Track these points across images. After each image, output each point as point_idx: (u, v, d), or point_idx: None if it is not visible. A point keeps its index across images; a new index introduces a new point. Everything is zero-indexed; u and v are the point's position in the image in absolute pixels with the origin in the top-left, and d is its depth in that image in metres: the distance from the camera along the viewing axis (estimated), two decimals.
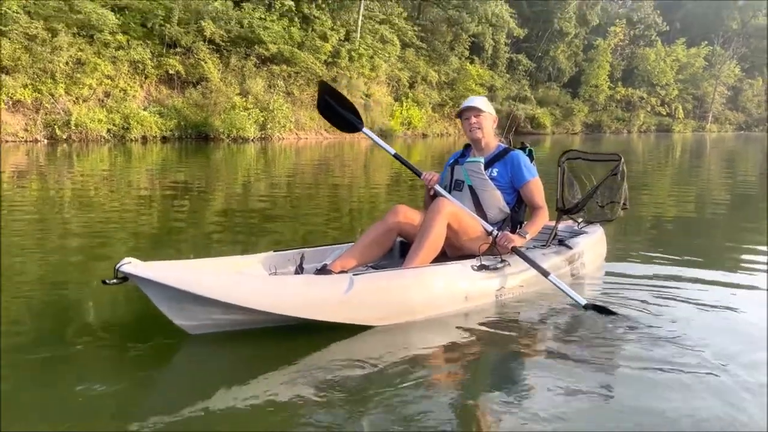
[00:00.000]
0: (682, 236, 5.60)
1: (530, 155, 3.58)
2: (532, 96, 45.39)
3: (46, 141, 17.72)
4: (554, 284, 3.14)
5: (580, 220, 4.11)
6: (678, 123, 57.94)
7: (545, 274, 3.17)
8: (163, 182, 9.49)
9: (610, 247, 4.39)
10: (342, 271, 3.08)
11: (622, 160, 3.79)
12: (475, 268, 3.12)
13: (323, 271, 3.11)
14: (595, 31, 54.53)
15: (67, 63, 18.63)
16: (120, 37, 20.42)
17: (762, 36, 65.61)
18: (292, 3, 26.18)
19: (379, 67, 30.42)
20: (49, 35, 18.25)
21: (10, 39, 17.28)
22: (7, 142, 16.87)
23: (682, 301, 3.32)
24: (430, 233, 3.10)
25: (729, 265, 4.33)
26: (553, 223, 3.94)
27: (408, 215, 3.28)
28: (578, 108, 48.34)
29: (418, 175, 3.46)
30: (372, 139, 3.62)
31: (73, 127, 18.12)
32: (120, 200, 7.33)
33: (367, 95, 29.08)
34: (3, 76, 17.10)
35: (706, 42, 61.38)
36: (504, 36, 43.92)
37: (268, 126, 22.56)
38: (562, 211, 4.00)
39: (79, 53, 18.99)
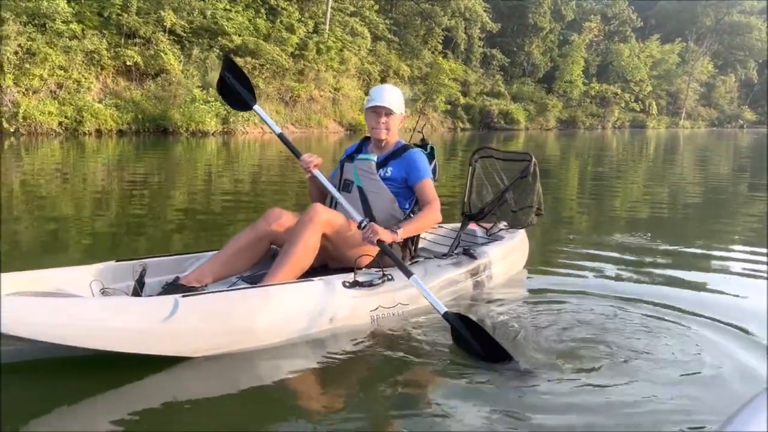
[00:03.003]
0: (630, 239, 5.19)
1: (431, 153, 3.21)
2: (506, 91, 45.15)
3: None
4: (418, 287, 2.66)
5: (491, 225, 3.70)
6: (652, 119, 58.18)
7: (408, 274, 2.70)
8: (121, 177, 9.01)
9: (549, 250, 4.00)
10: (196, 286, 2.64)
11: (533, 160, 3.42)
12: (347, 284, 2.67)
13: (174, 285, 2.63)
14: (570, 27, 54.47)
15: (15, 53, 17.79)
16: (74, 26, 19.60)
17: (735, 33, 66.26)
18: None
19: (349, 60, 29.90)
20: None
21: None
22: None
23: (596, 313, 2.95)
24: (297, 245, 2.66)
25: (690, 268, 4.04)
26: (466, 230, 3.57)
27: (282, 221, 2.85)
28: (552, 104, 48.14)
29: (297, 156, 3.02)
30: (262, 117, 3.18)
31: (21, 120, 17.30)
32: (73, 195, 6.92)
33: (335, 89, 28.55)
34: None
35: (680, 38, 61.71)
36: (478, 30, 43.64)
37: (231, 120, 21.90)
38: (467, 217, 3.59)
39: (29, 43, 18.16)
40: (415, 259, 3.14)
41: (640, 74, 56.77)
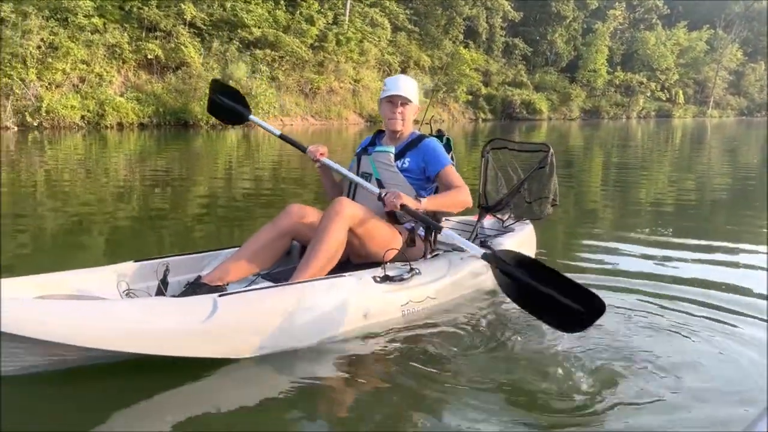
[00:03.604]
0: (648, 227, 5.05)
1: (447, 144, 3.14)
2: (529, 81, 44.55)
3: (16, 128, 17.08)
4: (449, 237, 2.62)
5: (506, 217, 3.68)
6: (678, 108, 56.92)
7: (438, 228, 2.67)
8: (143, 170, 9.09)
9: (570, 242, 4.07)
10: (219, 285, 2.56)
11: (551, 151, 3.39)
12: (378, 279, 2.63)
13: (196, 284, 2.57)
14: (594, 15, 53.48)
15: (38, 47, 17.95)
16: (96, 20, 19.74)
17: (765, 19, 64.49)
18: None
19: (369, 51, 29.74)
20: (20, 18, 17.55)
21: None
22: None
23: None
24: (326, 241, 2.59)
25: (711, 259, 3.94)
26: (477, 221, 3.52)
27: (303, 216, 2.79)
28: (576, 93, 47.37)
29: (303, 150, 3.05)
30: (259, 124, 3.27)
31: (44, 114, 17.46)
32: (96, 189, 7.00)
33: (355, 80, 28.40)
34: None
35: (708, 25, 60.18)
36: (499, 19, 43.09)
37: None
38: (485, 209, 3.56)
39: (52, 37, 18.30)
40: (435, 252, 3.10)
41: (666, 62, 55.55)
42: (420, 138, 3.00)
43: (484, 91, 40.06)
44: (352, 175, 2.93)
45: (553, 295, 2.08)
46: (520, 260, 2.25)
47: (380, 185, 2.92)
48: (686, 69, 59.01)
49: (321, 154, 2.96)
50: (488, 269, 3.02)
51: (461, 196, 2.84)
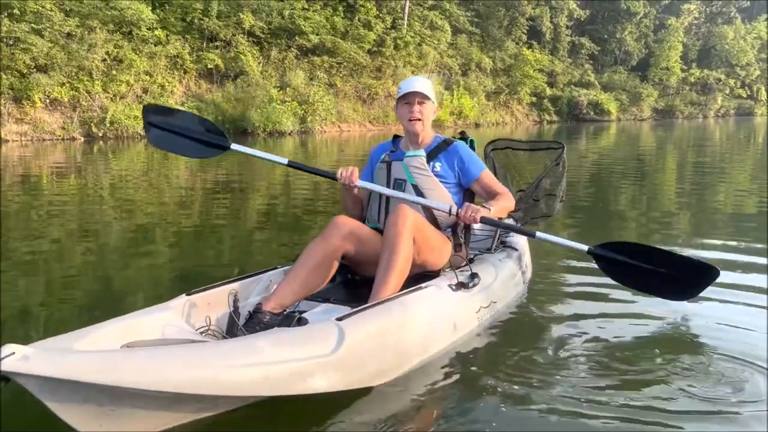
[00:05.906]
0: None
1: (471, 146, 3.01)
2: (596, 81, 42.91)
3: (83, 139, 17.64)
4: (547, 240, 2.72)
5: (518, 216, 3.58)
6: (761, 106, 53.58)
7: (531, 235, 2.73)
8: (203, 179, 9.24)
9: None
10: (282, 312, 2.38)
11: (565, 148, 3.44)
12: (454, 288, 2.55)
13: (261, 313, 2.35)
14: (666, 10, 51.12)
15: (104, 60, 18.51)
16: (158, 32, 20.23)
17: None
18: None
19: (428, 54, 29.32)
20: (86, 32, 18.15)
21: (44, 37, 17.20)
22: (44, 140, 16.90)
23: None
24: (400, 252, 2.44)
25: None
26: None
27: (351, 227, 2.63)
28: (647, 92, 45.36)
29: (332, 177, 2.77)
30: (251, 154, 2.90)
31: (109, 125, 17.96)
32: (159, 198, 7.12)
33: None
34: (39, 74, 17.01)
35: None
36: (564, 18, 41.75)
37: (309, 119, 21.86)
38: None
39: (116, 50, 18.84)
40: (470, 256, 2.99)
41: (746, 57, 52.44)
42: (447, 141, 2.88)
43: (548, 92, 38.87)
44: (393, 192, 2.74)
45: (659, 271, 2.42)
46: (623, 246, 2.56)
47: (417, 191, 2.78)
48: None
49: (357, 177, 2.73)
50: (519, 269, 3.17)
51: (510, 201, 2.82)
